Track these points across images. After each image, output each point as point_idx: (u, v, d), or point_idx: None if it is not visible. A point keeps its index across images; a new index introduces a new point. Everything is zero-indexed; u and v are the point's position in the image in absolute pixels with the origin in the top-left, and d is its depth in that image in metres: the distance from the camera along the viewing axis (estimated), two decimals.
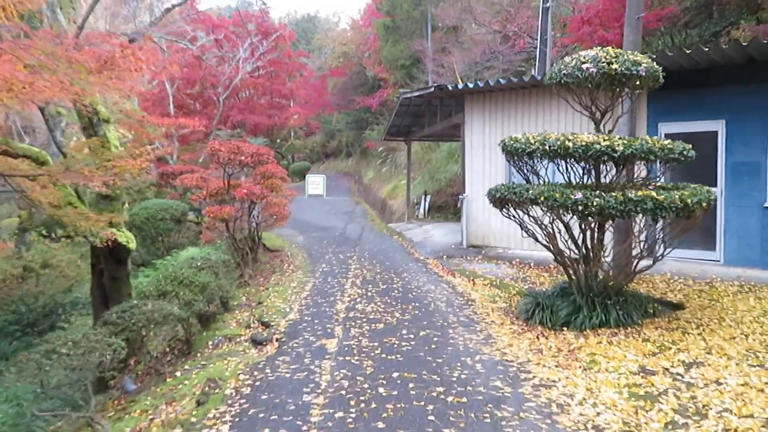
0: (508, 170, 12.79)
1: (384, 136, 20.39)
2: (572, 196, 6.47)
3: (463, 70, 21.36)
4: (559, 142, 6.75)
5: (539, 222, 7.44)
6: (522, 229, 7.87)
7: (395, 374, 5.33)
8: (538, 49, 15.31)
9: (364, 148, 34.70)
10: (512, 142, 7.41)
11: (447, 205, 20.50)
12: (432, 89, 13.08)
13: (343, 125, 38.31)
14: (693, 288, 8.79)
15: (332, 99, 38.11)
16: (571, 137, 6.78)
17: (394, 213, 22.78)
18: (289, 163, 44.87)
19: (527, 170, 7.80)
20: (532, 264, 11.63)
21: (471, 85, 12.44)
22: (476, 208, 13.31)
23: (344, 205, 26.05)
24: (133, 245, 9.37)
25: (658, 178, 8.03)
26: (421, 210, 20.76)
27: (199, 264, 7.66)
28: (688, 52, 9.14)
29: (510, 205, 7.55)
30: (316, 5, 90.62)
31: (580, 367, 5.58)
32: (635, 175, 8.29)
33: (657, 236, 8.00)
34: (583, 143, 6.60)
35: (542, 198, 6.71)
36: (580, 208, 6.42)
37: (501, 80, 11.94)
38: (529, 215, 7.52)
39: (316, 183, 30.13)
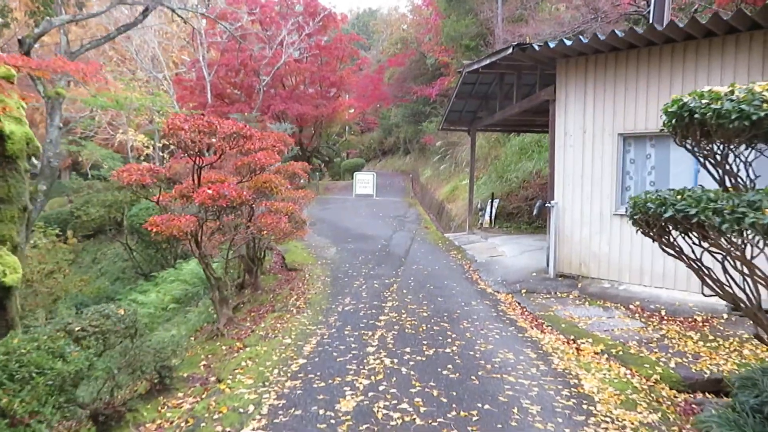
0: (620, 168, 8.72)
1: (442, 125, 16.52)
2: None
3: None
4: None
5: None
6: (704, 279, 3.94)
7: None
8: None
9: (423, 144, 31.00)
10: (708, 99, 3.49)
11: (520, 212, 16.42)
12: (510, 50, 9.17)
13: (400, 118, 34.71)
14: None
15: (389, 90, 34.48)
16: None
17: (453, 219, 18.89)
18: (342, 160, 41.84)
19: (725, 165, 3.86)
20: (663, 311, 7.56)
21: (569, 43, 8.47)
22: (570, 221, 9.30)
23: (395, 207, 22.36)
24: (13, 278, 6.01)
25: None
26: (487, 217, 16.76)
27: (77, 330, 4.16)
28: None
29: (694, 231, 3.65)
30: (379, 1, 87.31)
31: None
32: None
33: None
34: None
35: None
36: None
37: (618, 32, 7.91)
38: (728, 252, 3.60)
39: (365, 182, 26.56)
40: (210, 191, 6.01)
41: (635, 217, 4.08)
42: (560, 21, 15.46)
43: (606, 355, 6.03)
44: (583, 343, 6.43)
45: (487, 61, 10.61)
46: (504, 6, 19.89)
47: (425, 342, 6.34)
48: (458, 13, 22.40)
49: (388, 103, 36.83)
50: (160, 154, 30.23)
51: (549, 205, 9.52)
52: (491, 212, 16.61)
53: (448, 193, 21.50)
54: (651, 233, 4.03)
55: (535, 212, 16.13)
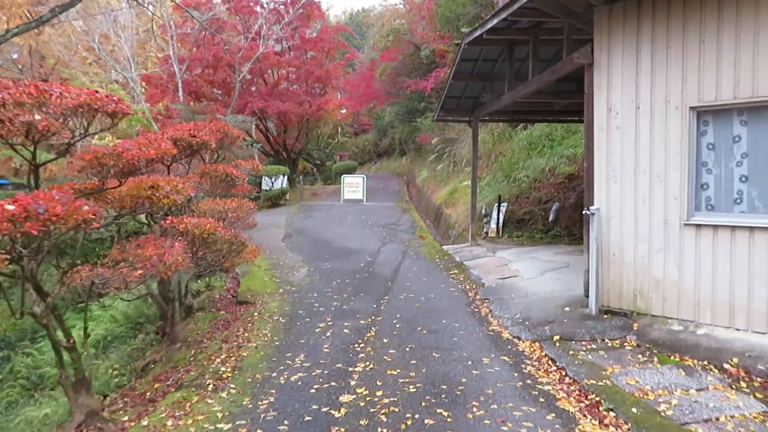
0: (693, 157, 6.02)
1: (437, 115, 13.79)
2: None
3: None
4: None
5: None
6: None
7: None
8: None
9: (419, 144, 28.38)
10: None
11: (532, 218, 13.73)
12: None
13: (394, 117, 32.10)
14: None
15: (381, 87, 31.89)
16: None
17: (453, 227, 16.19)
18: (333, 163, 39.21)
19: None
20: None
21: None
22: (619, 234, 6.60)
23: (387, 213, 19.68)
24: None
25: None
26: (493, 224, 14.07)
27: None
28: None
29: None
30: (372, 1, 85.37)
31: None
32: None
33: None
34: None
35: None
36: None
37: None
38: None
39: (354, 185, 23.89)
40: (12, 207, 3.36)
41: None
42: None
43: None
44: None
45: (495, 20, 7.92)
46: None
47: None
48: None
49: (381, 102, 34.30)
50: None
51: (588, 212, 6.81)
52: (498, 219, 13.91)
53: (447, 196, 18.81)
54: None
55: (551, 217, 13.47)
